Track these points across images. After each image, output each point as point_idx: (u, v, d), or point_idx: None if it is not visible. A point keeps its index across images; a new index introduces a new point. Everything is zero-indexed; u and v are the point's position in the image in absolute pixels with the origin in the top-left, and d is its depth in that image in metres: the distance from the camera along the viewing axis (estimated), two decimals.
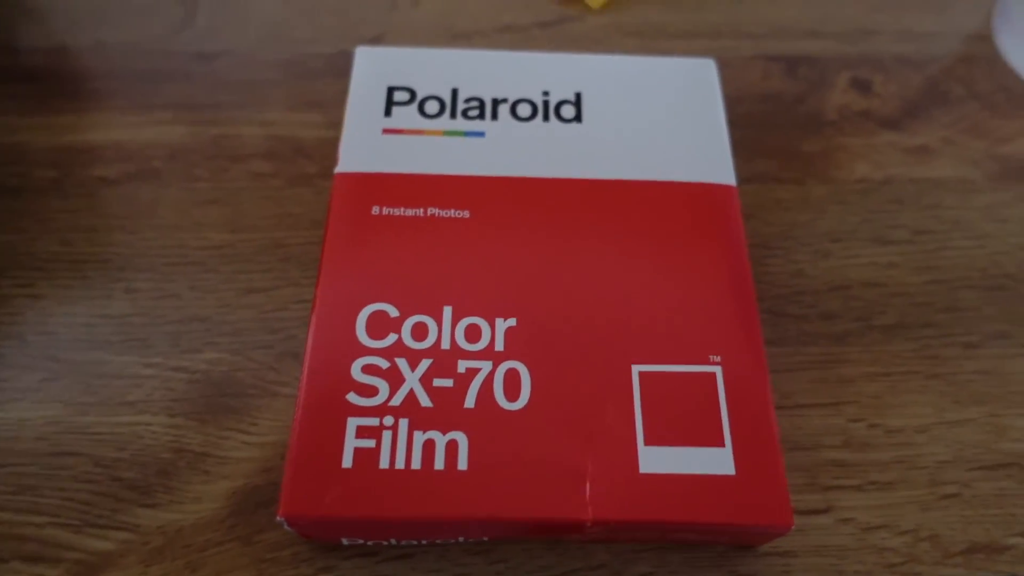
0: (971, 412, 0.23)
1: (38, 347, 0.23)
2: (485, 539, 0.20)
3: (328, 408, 0.19)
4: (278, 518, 0.17)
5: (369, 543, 0.20)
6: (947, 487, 0.22)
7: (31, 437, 0.22)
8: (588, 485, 0.18)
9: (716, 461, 0.18)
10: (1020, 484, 0.22)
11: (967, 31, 0.32)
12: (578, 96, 0.24)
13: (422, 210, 0.22)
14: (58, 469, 0.21)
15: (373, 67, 0.24)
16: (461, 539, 0.20)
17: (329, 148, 0.27)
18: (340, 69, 0.29)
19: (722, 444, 0.19)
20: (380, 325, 0.20)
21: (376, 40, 0.31)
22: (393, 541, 0.20)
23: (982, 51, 0.31)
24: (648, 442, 0.19)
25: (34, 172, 0.26)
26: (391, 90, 0.24)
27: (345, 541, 0.20)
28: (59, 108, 0.28)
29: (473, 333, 0.20)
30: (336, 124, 0.28)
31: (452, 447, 0.18)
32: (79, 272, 0.24)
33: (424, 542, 0.20)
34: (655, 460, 0.18)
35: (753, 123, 0.29)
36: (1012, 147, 0.29)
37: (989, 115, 0.29)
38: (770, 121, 0.29)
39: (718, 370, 0.20)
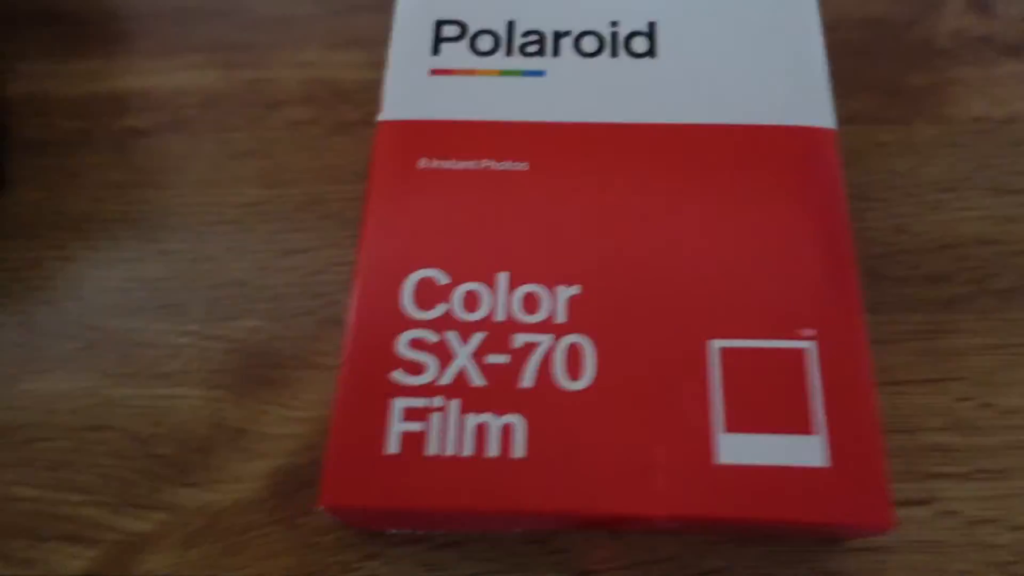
0: None
1: (71, 314, 0.22)
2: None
3: (372, 388, 0.17)
4: (319, 508, 0.16)
5: (418, 532, 0.19)
6: None
7: (66, 410, 0.21)
8: (659, 476, 0.16)
9: (806, 451, 0.17)
10: None
11: None
12: (652, 26, 0.21)
13: (475, 162, 0.20)
14: (94, 444, 0.20)
15: None
16: (516, 529, 0.18)
17: (372, 91, 0.26)
18: (384, 1, 0.27)
19: (814, 431, 0.17)
20: (428, 294, 0.18)
21: None
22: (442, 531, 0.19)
23: None
24: (728, 428, 0.17)
25: (60, 124, 0.25)
26: (439, 24, 0.22)
27: (392, 529, 0.18)
28: (84, 53, 0.26)
29: (531, 303, 0.18)
30: (381, 64, 0.26)
31: (507, 432, 0.17)
32: (110, 232, 0.23)
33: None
34: (735, 449, 0.17)
35: (852, 53, 0.26)
36: None
37: None
38: (872, 51, 0.26)
39: (811, 345, 0.18)
